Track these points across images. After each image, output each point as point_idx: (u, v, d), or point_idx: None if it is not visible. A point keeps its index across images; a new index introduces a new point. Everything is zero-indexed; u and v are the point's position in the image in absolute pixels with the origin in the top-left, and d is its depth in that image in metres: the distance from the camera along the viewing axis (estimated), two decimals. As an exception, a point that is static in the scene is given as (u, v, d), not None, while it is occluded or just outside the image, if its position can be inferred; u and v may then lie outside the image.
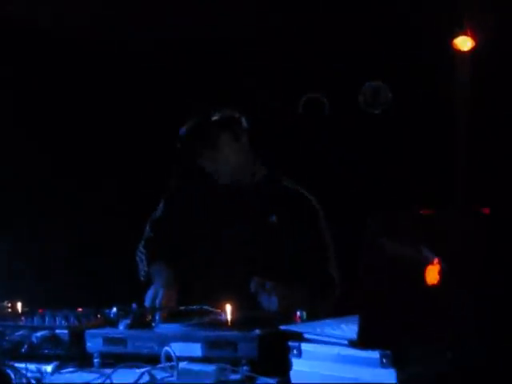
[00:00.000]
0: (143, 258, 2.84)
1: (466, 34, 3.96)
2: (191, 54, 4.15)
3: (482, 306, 1.88)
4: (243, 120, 2.86)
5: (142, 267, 2.81)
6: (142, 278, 2.81)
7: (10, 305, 2.69)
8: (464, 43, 3.95)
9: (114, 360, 2.16)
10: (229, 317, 2.19)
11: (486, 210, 1.86)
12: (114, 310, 2.23)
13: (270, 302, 2.48)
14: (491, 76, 3.89)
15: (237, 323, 2.07)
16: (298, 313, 2.26)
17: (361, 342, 1.70)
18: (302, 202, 2.84)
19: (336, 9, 4.09)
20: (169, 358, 1.91)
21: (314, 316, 2.28)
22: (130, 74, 4.14)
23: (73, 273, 3.70)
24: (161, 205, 2.94)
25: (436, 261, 1.81)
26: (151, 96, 4.16)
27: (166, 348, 1.90)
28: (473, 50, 3.95)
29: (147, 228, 2.93)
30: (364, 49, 4.19)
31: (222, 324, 2.10)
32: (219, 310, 2.31)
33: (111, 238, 3.82)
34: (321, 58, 4.27)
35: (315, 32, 4.21)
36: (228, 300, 2.30)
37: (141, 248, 2.89)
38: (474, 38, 3.94)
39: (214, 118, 2.81)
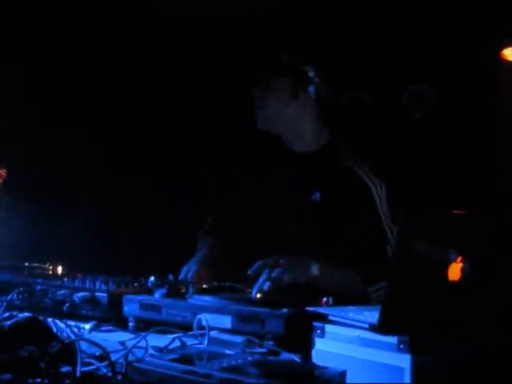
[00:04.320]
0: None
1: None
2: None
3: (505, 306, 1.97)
4: (310, 70, 2.73)
5: None
6: None
7: (51, 267, 2.89)
8: None
9: (147, 325, 2.32)
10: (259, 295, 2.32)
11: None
12: (152, 279, 2.37)
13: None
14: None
15: (266, 302, 2.19)
16: (325, 298, 2.38)
17: (380, 328, 1.81)
18: (356, 182, 2.69)
19: (387, 9, 4.14)
20: (200, 327, 2.04)
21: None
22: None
23: (113, 244, 3.82)
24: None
25: (460, 259, 1.92)
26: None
27: (199, 316, 2.04)
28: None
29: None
30: (410, 52, 4.23)
31: (251, 301, 2.23)
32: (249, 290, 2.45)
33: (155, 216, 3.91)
34: (367, 57, 4.33)
35: (363, 29, 4.26)
36: None
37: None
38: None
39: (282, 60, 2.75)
